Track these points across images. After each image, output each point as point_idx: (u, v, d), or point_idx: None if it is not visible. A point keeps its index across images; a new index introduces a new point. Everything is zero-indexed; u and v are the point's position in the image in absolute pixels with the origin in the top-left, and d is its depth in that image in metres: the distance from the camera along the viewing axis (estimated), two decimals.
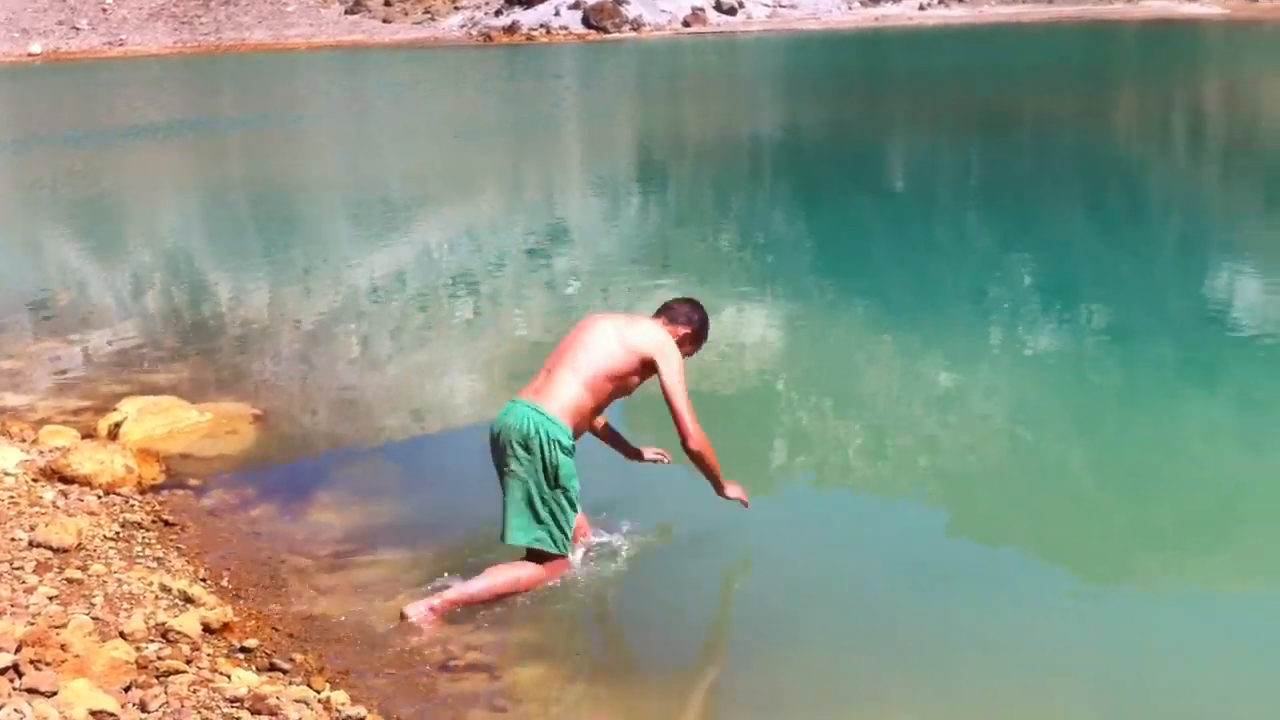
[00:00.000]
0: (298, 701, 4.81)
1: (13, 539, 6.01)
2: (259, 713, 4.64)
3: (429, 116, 31.13)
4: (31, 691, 4.35)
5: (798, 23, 61.18)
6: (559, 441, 5.87)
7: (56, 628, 4.91)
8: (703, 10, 61.85)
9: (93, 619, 5.13)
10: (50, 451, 7.63)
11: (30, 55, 59.60)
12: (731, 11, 62.73)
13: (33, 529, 6.14)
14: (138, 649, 4.95)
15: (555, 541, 5.99)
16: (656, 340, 6.05)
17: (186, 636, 5.19)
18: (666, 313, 6.38)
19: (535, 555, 6.02)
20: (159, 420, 8.44)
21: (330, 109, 34.24)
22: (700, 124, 28.10)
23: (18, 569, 5.64)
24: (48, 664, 4.55)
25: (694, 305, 6.42)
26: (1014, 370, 9.63)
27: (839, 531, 6.90)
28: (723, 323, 11.07)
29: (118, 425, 8.36)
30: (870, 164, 20.84)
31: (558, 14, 60.86)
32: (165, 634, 5.17)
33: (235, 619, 5.65)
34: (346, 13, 65.13)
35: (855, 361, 9.96)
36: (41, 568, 5.71)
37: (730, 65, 44.48)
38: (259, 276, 13.80)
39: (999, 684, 5.35)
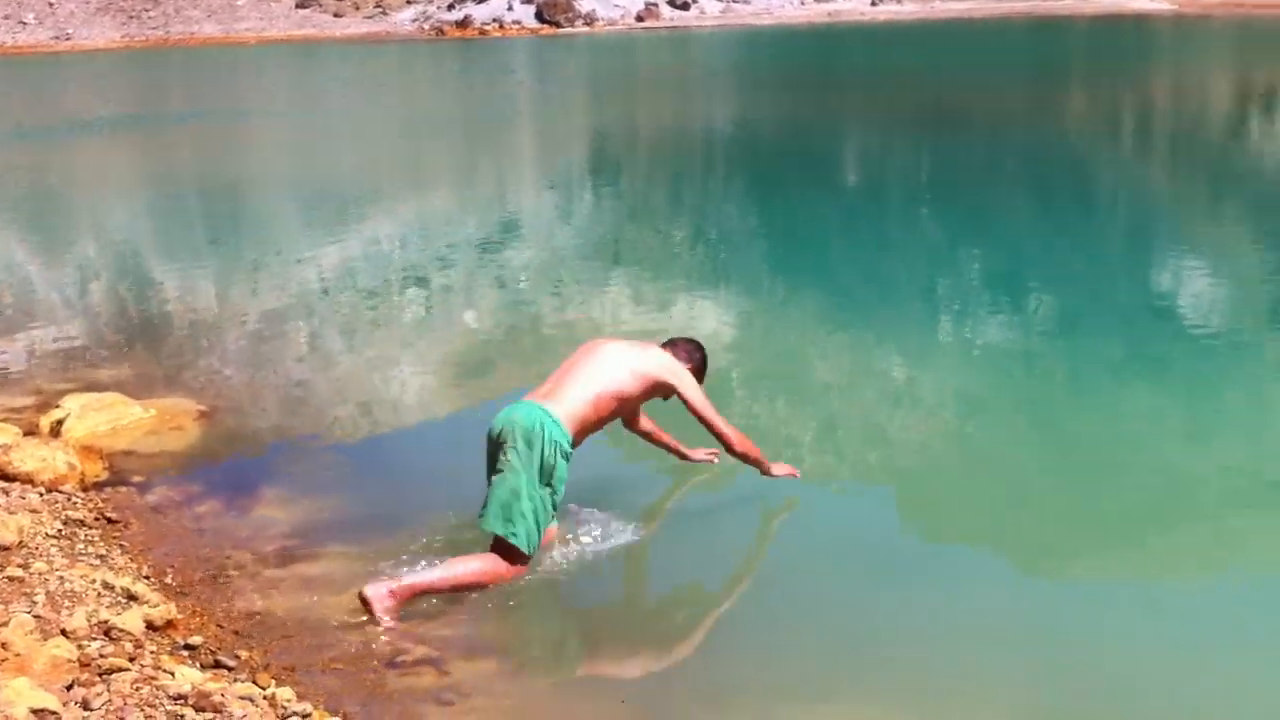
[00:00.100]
0: (242, 699, 4.75)
1: None
2: (203, 710, 4.59)
3: (380, 111, 30.95)
4: None
5: (751, 18, 61.32)
6: (560, 444, 5.97)
7: None
8: (656, 5, 61.92)
9: (34, 617, 5.05)
10: None
11: None
12: (685, 6, 62.81)
13: None
14: (80, 647, 4.89)
15: (527, 539, 5.97)
16: (669, 365, 6.39)
17: (129, 634, 5.12)
18: (670, 348, 6.66)
19: (502, 550, 5.99)
20: (102, 417, 8.34)
21: (280, 103, 33.98)
22: (653, 119, 28.09)
23: None
24: None
25: (696, 345, 6.76)
26: (964, 363, 9.68)
27: (789, 524, 6.90)
28: (674, 318, 11.07)
29: (60, 422, 8.25)
30: (821, 159, 20.90)
31: (510, 8, 60.73)
32: (108, 632, 5.11)
33: (179, 616, 5.59)
34: (297, 7, 64.71)
35: (807, 355, 9.98)
36: None
37: (683, 60, 44.49)
38: (205, 272, 13.67)
39: (946, 674, 5.37)
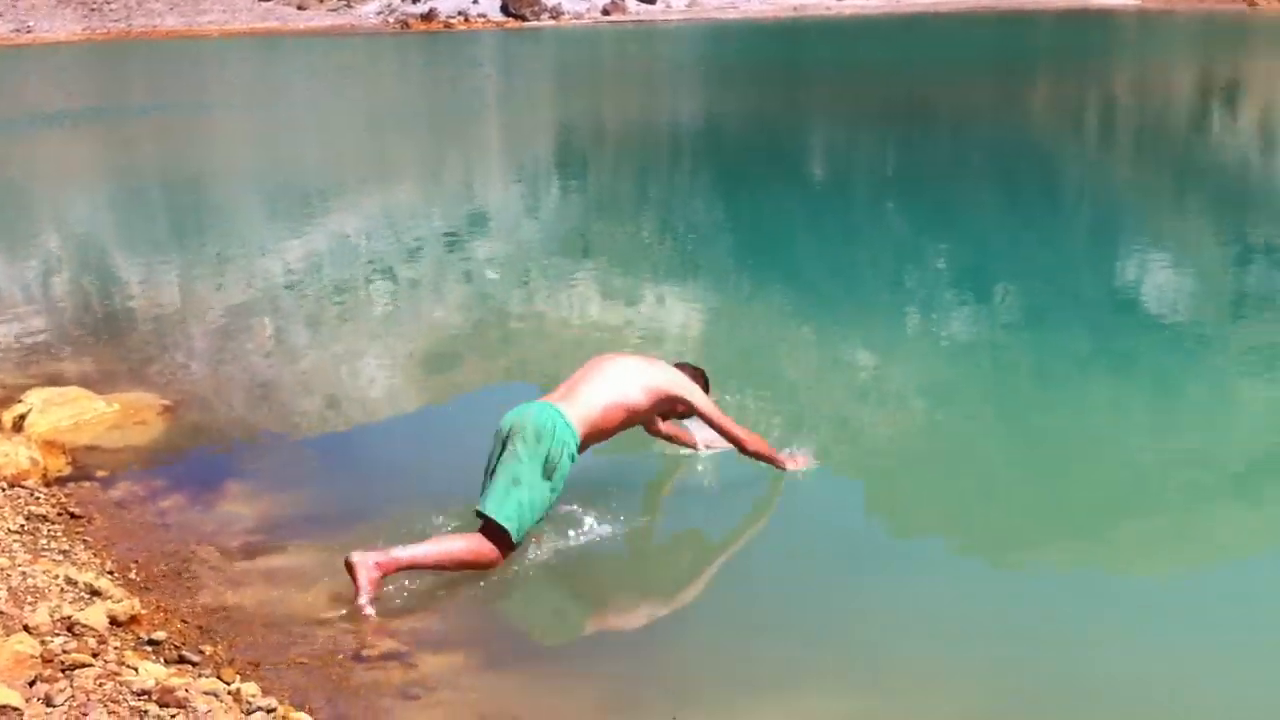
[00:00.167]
0: (207, 694, 4.73)
1: None
2: (167, 705, 4.56)
3: (345, 104, 30.80)
4: None
5: (717, 12, 61.28)
6: (568, 445, 6.14)
7: None
8: None
9: None
10: None
11: None
12: (651, 0, 62.73)
13: None
14: (43, 643, 4.85)
15: (518, 526, 6.04)
16: (677, 379, 6.66)
17: (93, 630, 5.09)
18: (677, 367, 6.91)
19: (490, 534, 6.04)
20: (65, 411, 8.27)
21: (243, 96, 33.76)
22: (620, 113, 28.06)
23: None
24: None
25: (699, 371, 7.01)
26: (930, 356, 9.71)
27: (756, 518, 6.92)
28: (641, 310, 11.08)
29: (22, 417, 8.18)
30: (788, 154, 20.93)
31: (476, 1, 60.47)
32: (71, 627, 5.07)
33: (143, 611, 5.56)
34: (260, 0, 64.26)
35: (775, 349, 10.00)
36: None
37: (650, 54, 44.46)
38: (169, 265, 13.57)
39: (913, 664, 5.40)
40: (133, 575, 6.08)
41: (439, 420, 8.81)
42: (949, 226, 14.56)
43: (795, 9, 60.98)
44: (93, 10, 62.15)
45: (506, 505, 6.03)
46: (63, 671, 4.68)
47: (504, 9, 59.54)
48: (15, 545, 6.03)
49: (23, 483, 7.01)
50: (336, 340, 10.70)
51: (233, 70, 42.66)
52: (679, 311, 11.06)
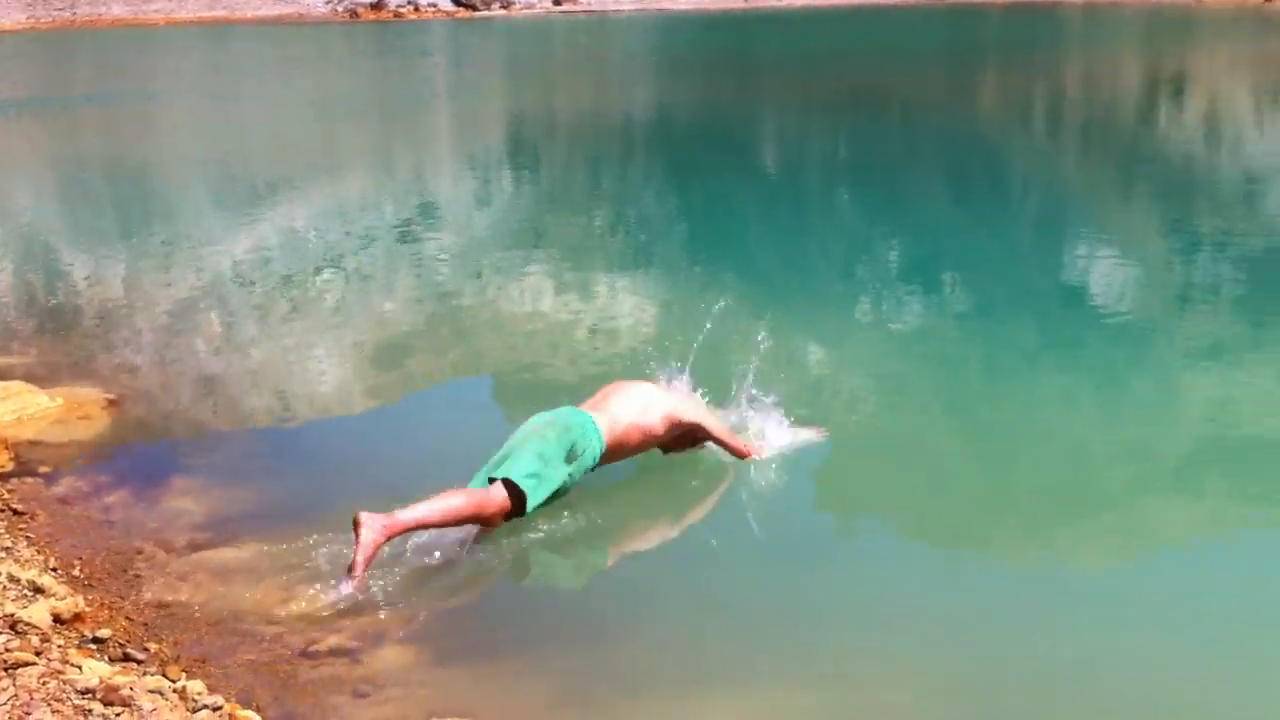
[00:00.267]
0: (152, 692, 4.68)
1: None
2: (111, 704, 4.51)
3: (293, 94, 30.57)
4: None
5: (668, 3, 61.31)
6: (593, 446, 6.48)
7: None
8: None
9: None
10: None
11: None
12: None
13: None
14: None
15: (534, 490, 6.24)
16: (693, 409, 7.04)
17: (36, 628, 5.02)
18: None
19: (499, 496, 6.20)
20: (6, 406, 8.16)
21: (189, 86, 33.43)
22: (571, 103, 28.01)
23: None
24: None
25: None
26: (878, 347, 9.76)
27: (709, 511, 6.92)
28: (595, 303, 11.06)
29: None
30: (739, 143, 20.96)
31: None
32: (14, 625, 5.00)
33: (87, 609, 5.49)
34: None
35: (724, 339, 9.99)
36: None
37: (601, 45, 44.39)
38: (115, 257, 13.42)
39: (863, 656, 5.42)
40: (76, 572, 6.00)
41: (389, 414, 8.76)
42: (898, 218, 14.63)
43: (746, 1, 61.11)
44: None
45: (528, 470, 6.24)
46: (5, 670, 4.62)
47: None
48: None
49: None
50: (285, 334, 10.61)
51: (179, 59, 42.23)
52: (630, 302, 11.05)
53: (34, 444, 7.74)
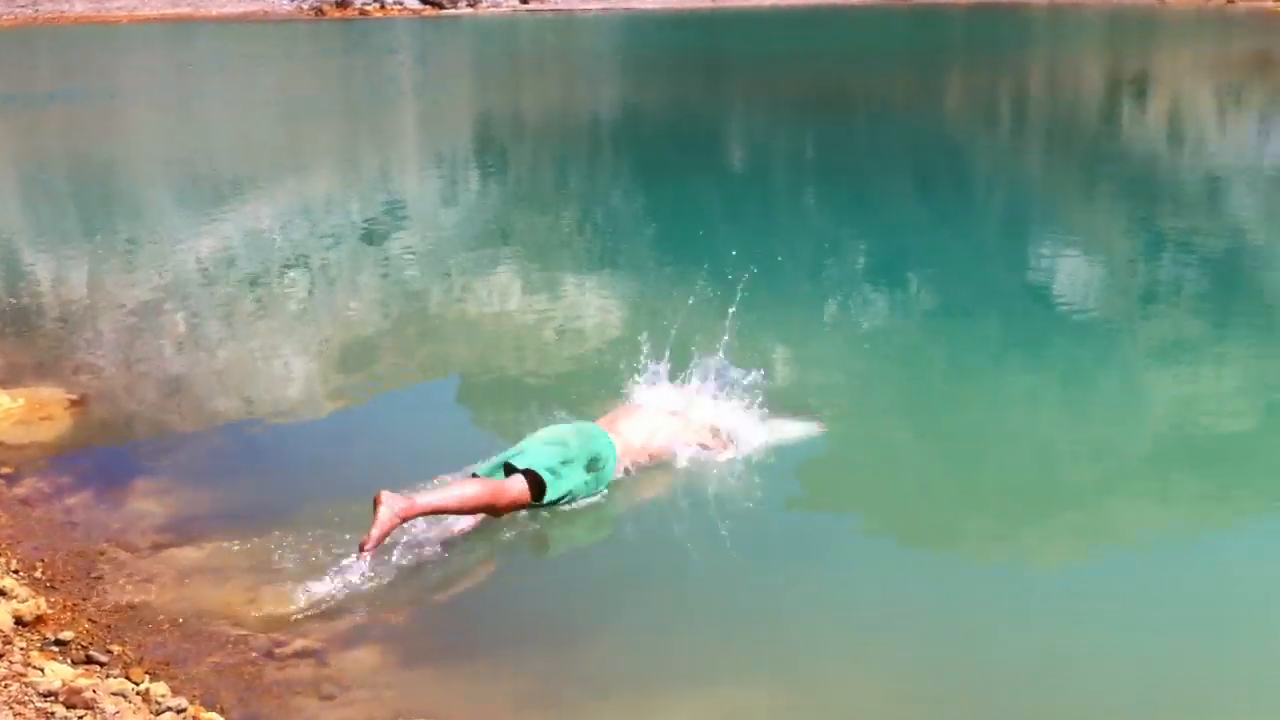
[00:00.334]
0: (115, 694, 4.65)
1: None
2: (74, 707, 4.48)
3: (258, 92, 30.41)
4: None
5: (635, 2, 61.32)
6: (610, 460, 6.73)
7: None
8: None
9: None
10: None
11: None
12: None
13: None
14: None
15: (554, 484, 6.43)
16: (694, 433, 7.32)
17: None
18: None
19: (516, 486, 6.38)
20: None
21: (152, 84, 33.20)
22: (537, 102, 27.97)
23: None
24: None
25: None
26: (843, 345, 9.78)
27: (673, 510, 6.94)
28: (562, 302, 11.06)
29: None
30: (705, 143, 20.98)
31: None
32: None
33: (50, 611, 5.45)
34: None
35: (692, 337, 10.00)
36: None
37: (568, 44, 44.37)
38: (77, 257, 13.30)
39: (826, 655, 5.44)
40: (39, 574, 5.96)
41: (354, 415, 8.72)
42: (864, 219, 14.68)
43: (714, 1, 61.18)
44: None
45: (549, 464, 6.41)
46: None
47: None
48: None
49: None
50: (250, 334, 10.56)
51: (142, 57, 41.95)
52: (596, 302, 11.05)
53: None
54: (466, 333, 10.33)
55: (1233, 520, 6.86)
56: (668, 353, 7.66)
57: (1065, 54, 37.60)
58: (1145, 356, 9.54)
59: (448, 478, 6.59)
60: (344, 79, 33.36)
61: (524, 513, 6.55)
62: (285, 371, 9.53)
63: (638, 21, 52.63)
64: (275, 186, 17.73)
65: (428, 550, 6.18)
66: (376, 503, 5.92)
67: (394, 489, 6.05)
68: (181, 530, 6.50)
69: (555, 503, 6.50)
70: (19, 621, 5.17)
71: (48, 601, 5.54)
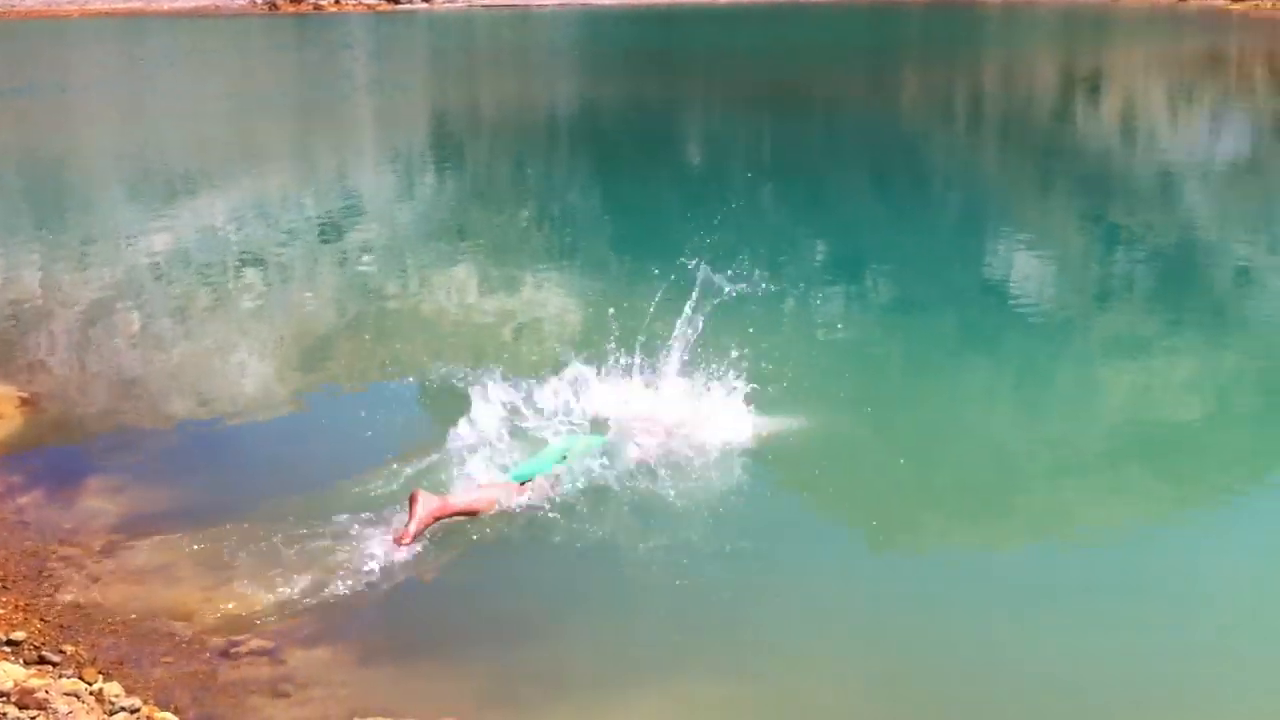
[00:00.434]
0: (68, 695, 4.61)
1: None
2: (26, 707, 4.44)
3: (211, 87, 30.17)
4: None
5: None
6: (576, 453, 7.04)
7: None
8: None
9: None
10: None
11: None
12: None
13: None
14: None
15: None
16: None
17: None
18: None
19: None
20: None
21: (103, 78, 32.88)
22: (492, 98, 27.90)
23: None
24: None
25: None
26: (799, 343, 9.80)
27: (632, 509, 6.92)
28: (519, 297, 11.03)
29: None
30: (661, 140, 20.99)
31: None
32: None
33: (1, 611, 5.40)
34: None
35: (652, 334, 10.00)
36: None
37: (524, 39, 44.28)
38: (27, 253, 13.15)
39: (786, 649, 5.47)
40: None
41: (309, 413, 8.67)
42: (820, 215, 14.74)
43: None
44: None
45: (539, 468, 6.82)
46: None
47: None
48: None
49: None
50: (204, 332, 10.47)
51: (94, 52, 41.54)
52: (556, 297, 11.04)
53: None
54: (422, 330, 10.29)
55: (1185, 511, 6.96)
56: (612, 346, 7.66)
57: (1020, 51, 37.87)
58: (1100, 351, 9.62)
59: (479, 479, 6.70)
60: (298, 74, 33.16)
61: (434, 506, 6.56)
62: (239, 369, 9.46)
63: (595, 17, 52.61)
64: (228, 182, 17.60)
65: (384, 551, 6.15)
66: (412, 500, 6.14)
67: (354, 488, 6.05)
68: (135, 529, 6.45)
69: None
70: None
71: None
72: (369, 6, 57.61)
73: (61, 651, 5.12)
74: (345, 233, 14.14)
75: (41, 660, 5.00)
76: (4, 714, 4.37)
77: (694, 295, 8.01)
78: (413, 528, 6.08)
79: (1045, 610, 5.78)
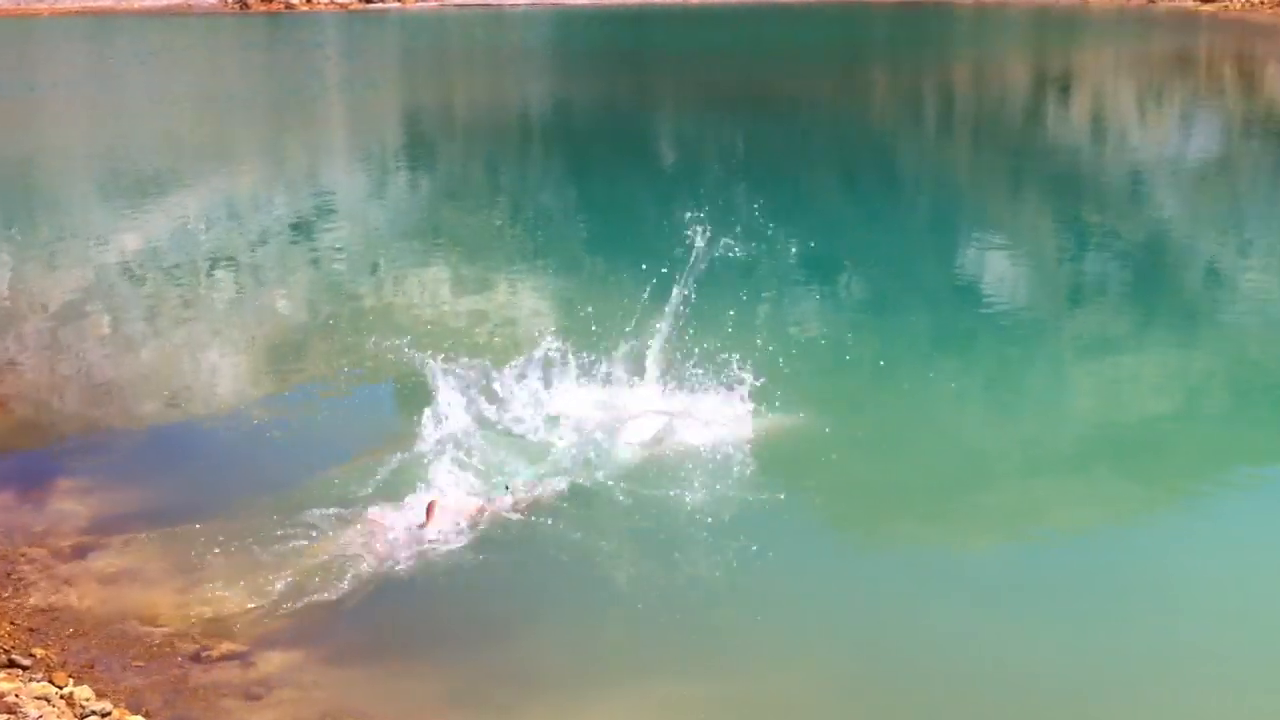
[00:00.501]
0: (39, 699, 4.59)
1: None
2: None
3: (182, 86, 29.99)
4: None
5: None
6: None
7: None
8: None
9: None
10: None
11: None
12: None
13: None
14: None
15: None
16: None
17: None
18: None
19: None
20: None
21: (73, 77, 32.65)
22: (465, 97, 27.84)
23: None
24: None
25: None
26: (769, 342, 9.80)
27: (597, 507, 6.91)
28: (493, 295, 11.02)
29: None
30: (633, 141, 20.99)
31: None
32: None
33: None
34: None
35: (620, 333, 9.99)
36: None
37: (496, 39, 44.21)
38: None
39: (756, 647, 5.48)
40: None
41: (280, 413, 8.62)
42: (792, 215, 14.73)
43: None
44: None
45: None
46: None
47: None
48: None
49: None
50: (175, 332, 10.41)
51: (64, 51, 41.26)
52: (529, 296, 11.03)
53: None
54: (392, 328, 10.22)
55: (1151, 508, 7.01)
56: (569, 343, 7.69)
57: (991, 52, 38.02)
58: (1069, 351, 9.68)
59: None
60: (269, 73, 33.01)
61: (451, 515, 6.54)
62: (210, 370, 9.42)
63: (567, 17, 52.55)
64: (198, 182, 17.49)
65: (355, 552, 6.13)
66: (429, 509, 6.30)
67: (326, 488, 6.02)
68: (105, 531, 6.41)
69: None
70: None
71: None
72: (341, 5, 57.36)
73: (32, 655, 5.09)
74: (315, 232, 14.09)
75: (11, 664, 4.97)
76: None
77: (673, 296, 7.99)
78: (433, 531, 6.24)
79: (1020, 608, 5.82)
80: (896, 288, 11.27)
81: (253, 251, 13.12)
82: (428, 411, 7.08)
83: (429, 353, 7.33)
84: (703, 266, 8.39)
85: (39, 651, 5.16)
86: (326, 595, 5.81)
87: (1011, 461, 7.57)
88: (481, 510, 6.45)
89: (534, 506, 6.70)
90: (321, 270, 12.40)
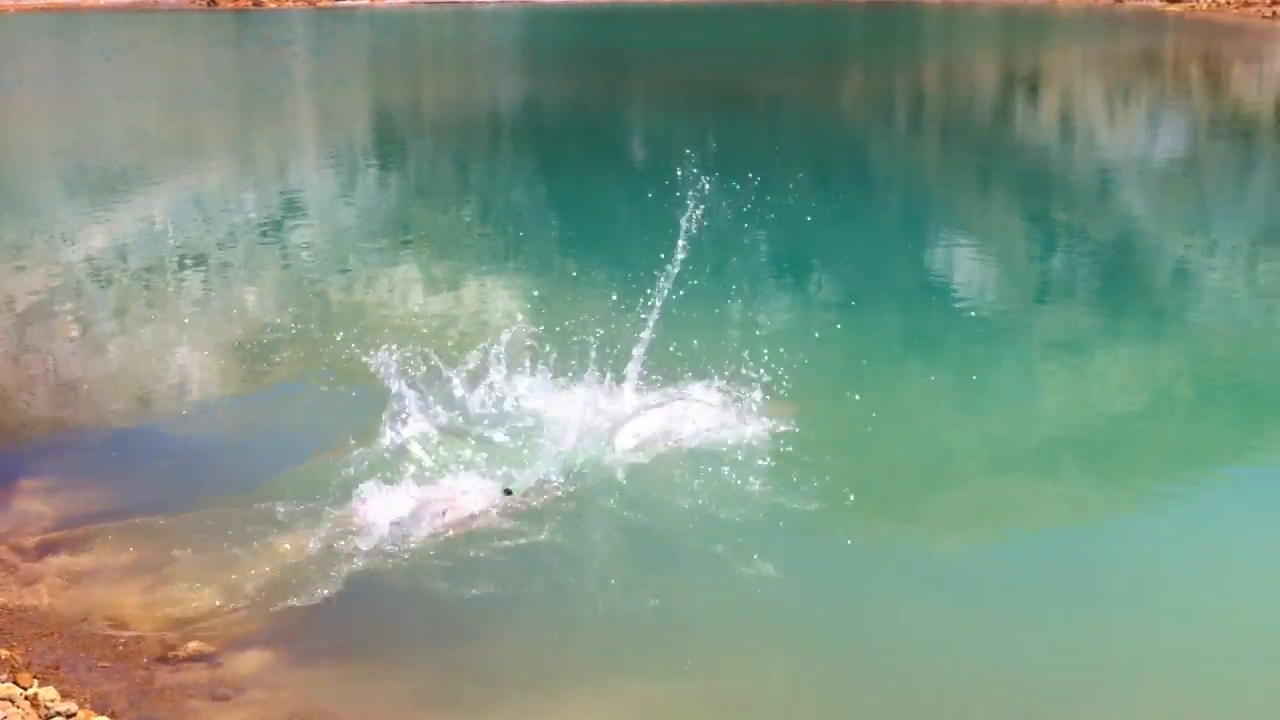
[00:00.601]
0: (2, 700, 4.56)
1: None
2: None
3: (148, 83, 29.80)
4: None
5: None
6: None
7: None
8: None
9: None
10: None
11: None
12: None
13: None
14: None
15: None
16: None
17: None
18: None
19: None
20: None
21: (38, 73, 32.39)
22: (434, 95, 27.77)
23: None
24: None
25: None
26: (740, 340, 9.81)
27: (567, 508, 6.89)
28: (464, 296, 10.98)
29: None
30: (604, 139, 20.98)
31: None
32: None
33: None
34: None
35: (600, 335, 9.98)
36: None
37: (466, 37, 44.12)
38: None
39: (726, 647, 5.49)
40: None
41: (247, 411, 8.58)
42: (762, 214, 14.73)
43: None
44: None
45: None
46: None
47: None
48: None
49: None
50: (143, 331, 10.34)
51: (28, 46, 40.94)
52: (501, 294, 11.00)
53: None
54: (361, 326, 10.19)
55: (1126, 506, 7.06)
56: (542, 348, 7.67)
57: (960, 51, 38.19)
58: (1039, 349, 9.73)
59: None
60: (236, 70, 32.84)
61: (419, 515, 6.53)
62: (179, 369, 9.35)
63: (537, 15, 52.49)
64: (165, 179, 17.38)
65: (324, 551, 6.10)
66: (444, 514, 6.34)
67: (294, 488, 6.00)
68: (71, 531, 6.36)
69: None
70: None
71: None
72: (309, 2, 57.10)
73: None
74: (283, 230, 14.02)
75: None
76: None
77: (655, 297, 8.00)
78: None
79: (997, 605, 5.87)
80: (868, 287, 11.29)
81: (220, 250, 13.04)
82: (394, 409, 7.07)
83: (396, 350, 7.30)
84: (680, 261, 8.34)
85: (3, 652, 5.11)
86: (295, 595, 5.78)
87: (986, 460, 7.61)
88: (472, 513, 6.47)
89: (516, 509, 6.68)
90: (290, 269, 12.34)
